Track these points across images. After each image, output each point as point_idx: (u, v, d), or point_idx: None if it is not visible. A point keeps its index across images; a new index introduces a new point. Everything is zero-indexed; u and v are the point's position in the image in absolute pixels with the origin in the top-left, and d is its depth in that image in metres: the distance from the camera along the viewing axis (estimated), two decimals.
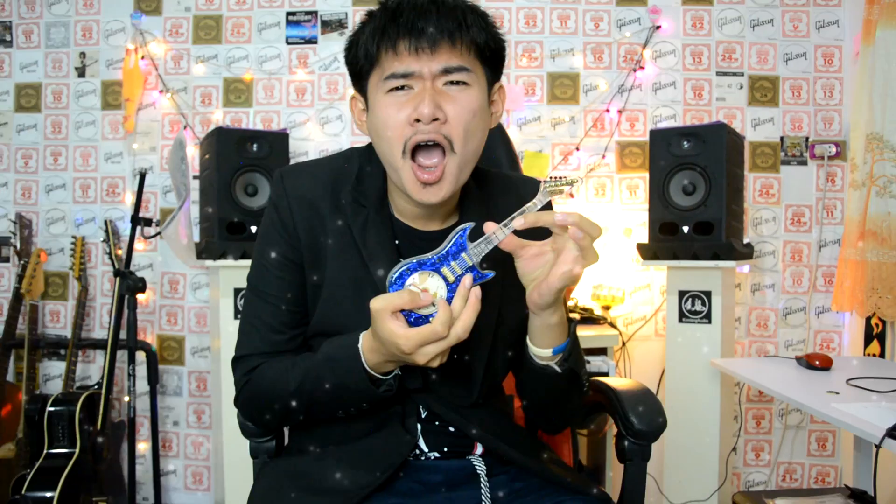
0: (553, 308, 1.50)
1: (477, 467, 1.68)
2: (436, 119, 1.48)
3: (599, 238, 1.40)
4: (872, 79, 3.50)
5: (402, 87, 1.49)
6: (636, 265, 4.20)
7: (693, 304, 3.57)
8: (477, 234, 1.48)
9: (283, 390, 1.58)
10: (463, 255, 1.45)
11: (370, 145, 1.67)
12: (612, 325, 3.90)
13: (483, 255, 1.45)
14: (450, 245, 1.46)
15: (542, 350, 1.57)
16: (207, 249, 3.56)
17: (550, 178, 1.48)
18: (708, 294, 3.58)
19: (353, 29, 1.56)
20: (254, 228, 3.58)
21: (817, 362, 2.83)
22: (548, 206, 1.69)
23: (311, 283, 1.64)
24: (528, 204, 1.43)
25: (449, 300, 1.43)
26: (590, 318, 3.91)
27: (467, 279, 1.43)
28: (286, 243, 1.64)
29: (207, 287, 4.25)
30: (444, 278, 1.45)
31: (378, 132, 1.53)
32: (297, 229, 1.62)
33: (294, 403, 1.58)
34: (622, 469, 1.80)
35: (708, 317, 3.55)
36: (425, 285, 1.44)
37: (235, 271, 3.56)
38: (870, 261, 3.52)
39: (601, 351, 3.59)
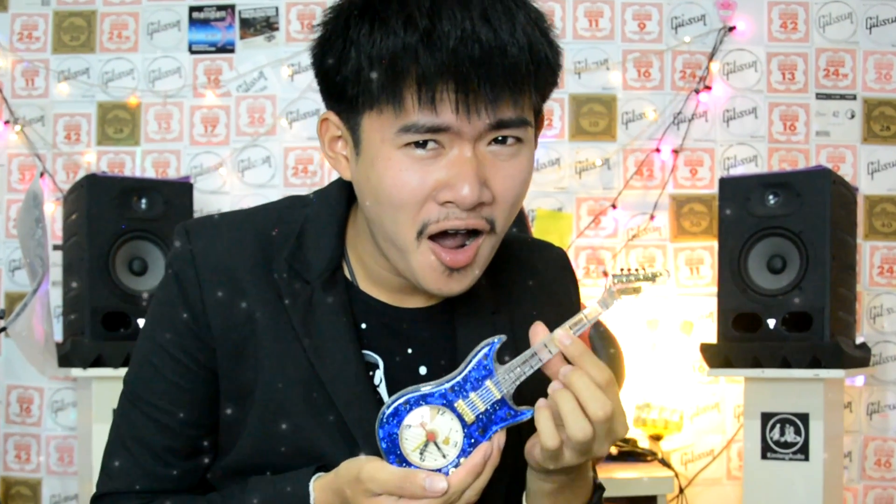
0: (552, 476, 1.53)
1: None
2: (480, 203, 1.49)
3: (601, 422, 1.41)
4: None
5: (426, 143, 1.47)
6: (700, 376, 4.23)
7: (783, 433, 3.60)
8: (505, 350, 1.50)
9: None
10: (488, 383, 1.47)
11: (321, 192, 1.70)
12: (665, 464, 3.92)
13: (518, 383, 1.47)
14: (470, 368, 1.47)
15: None
16: (75, 352, 3.56)
17: (621, 270, 1.50)
18: (804, 418, 3.59)
19: (327, 12, 1.53)
20: (141, 321, 3.48)
21: None
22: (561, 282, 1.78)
23: (229, 395, 1.64)
24: (588, 310, 1.46)
25: (465, 448, 1.46)
26: (632, 454, 3.96)
27: (499, 439, 1.46)
28: (190, 334, 1.62)
29: (74, 408, 4.23)
30: (461, 417, 1.47)
31: (378, 197, 1.51)
32: (210, 315, 1.61)
33: None
34: None
35: (804, 451, 3.55)
36: (433, 426, 1.46)
37: (115, 385, 3.37)
38: None
39: (649, 501, 3.64)
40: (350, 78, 1.45)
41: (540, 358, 1.45)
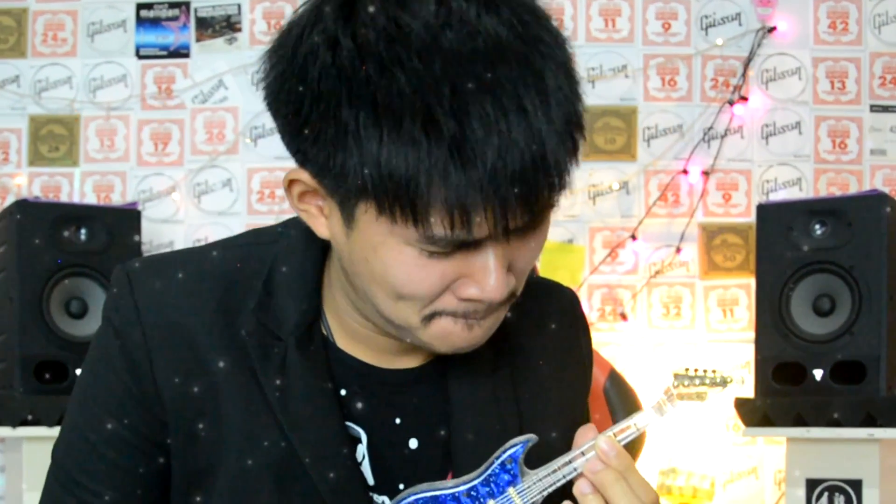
0: None
1: None
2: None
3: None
4: None
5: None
6: (734, 436, 4.26)
7: (832, 503, 3.57)
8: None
9: None
10: (511, 490, 1.48)
11: (291, 224, 1.66)
12: None
13: (547, 493, 1.48)
14: (492, 471, 1.49)
15: None
16: (3, 409, 3.57)
17: (685, 370, 1.52)
18: (857, 485, 3.56)
19: (298, 40, 1.36)
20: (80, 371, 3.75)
21: None
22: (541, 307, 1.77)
23: (186, 478, 1.60)
24: (638, 416, 1.47)
25: None
26: None
27: None
28: (136, 405, 1.56)
29: (2, 473, 4.20)
30: None
31: (379, 282, 1.48)
32: (160, 383, 1.55)
33: None
34: None
35: None
36: None
37: (50, 445, 3.64)
38: None
39: None
40: (349, 175, 1.37)
41: (575, 467, 1.46)
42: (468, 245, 1.39)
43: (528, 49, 1.35)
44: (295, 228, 1.65)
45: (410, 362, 1.65)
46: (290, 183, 1.49)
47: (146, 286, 1.58)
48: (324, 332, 1.64)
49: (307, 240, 1.62)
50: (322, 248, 1.63)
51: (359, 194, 1.38)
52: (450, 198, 1.33)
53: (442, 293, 1.45)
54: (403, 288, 1.44)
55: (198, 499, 1.59)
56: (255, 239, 1.68)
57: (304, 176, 1.44)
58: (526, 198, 1.35)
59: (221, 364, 1.56)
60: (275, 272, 1.61)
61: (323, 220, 1.50)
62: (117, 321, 1.57)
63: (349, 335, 1.63)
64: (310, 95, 1.37)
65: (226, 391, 1.56)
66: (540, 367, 1.70)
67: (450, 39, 1.32)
